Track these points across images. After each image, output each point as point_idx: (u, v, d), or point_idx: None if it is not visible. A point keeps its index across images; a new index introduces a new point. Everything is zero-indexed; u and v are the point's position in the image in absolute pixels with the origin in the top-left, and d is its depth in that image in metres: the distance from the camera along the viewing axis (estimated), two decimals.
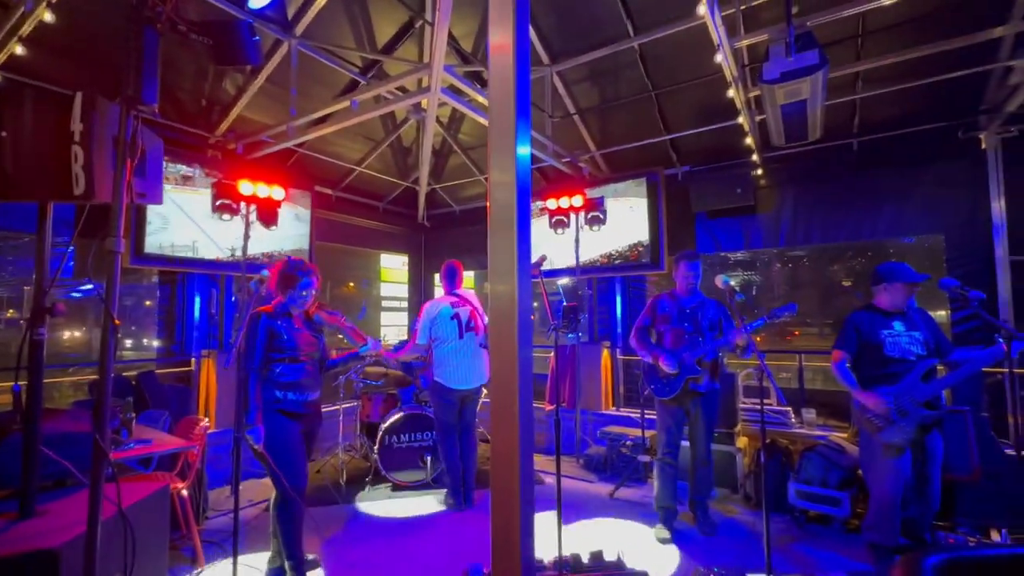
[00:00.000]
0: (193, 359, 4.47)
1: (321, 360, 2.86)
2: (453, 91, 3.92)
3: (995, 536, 3.04)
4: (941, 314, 4.60)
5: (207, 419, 3.24)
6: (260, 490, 4.14)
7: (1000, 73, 3.62)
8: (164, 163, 4.01)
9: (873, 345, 2.69)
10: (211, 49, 2.13)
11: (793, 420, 4.21)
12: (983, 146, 3.91)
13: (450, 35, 4.33)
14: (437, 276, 7.02)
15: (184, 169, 4.24)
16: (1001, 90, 3.66)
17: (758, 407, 2.69)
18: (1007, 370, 2.41)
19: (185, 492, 2.91)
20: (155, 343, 4.63)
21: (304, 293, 2.69)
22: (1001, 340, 2.31)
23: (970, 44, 3.29)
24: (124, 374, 4.00)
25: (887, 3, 3.06)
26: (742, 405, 4.20)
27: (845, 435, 3.79)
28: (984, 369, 3.42)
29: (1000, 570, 0.51)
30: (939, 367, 2.71)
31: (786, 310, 2.83)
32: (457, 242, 6.88)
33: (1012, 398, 2.30)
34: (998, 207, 3.85)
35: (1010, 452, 3.15)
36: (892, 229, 4.35)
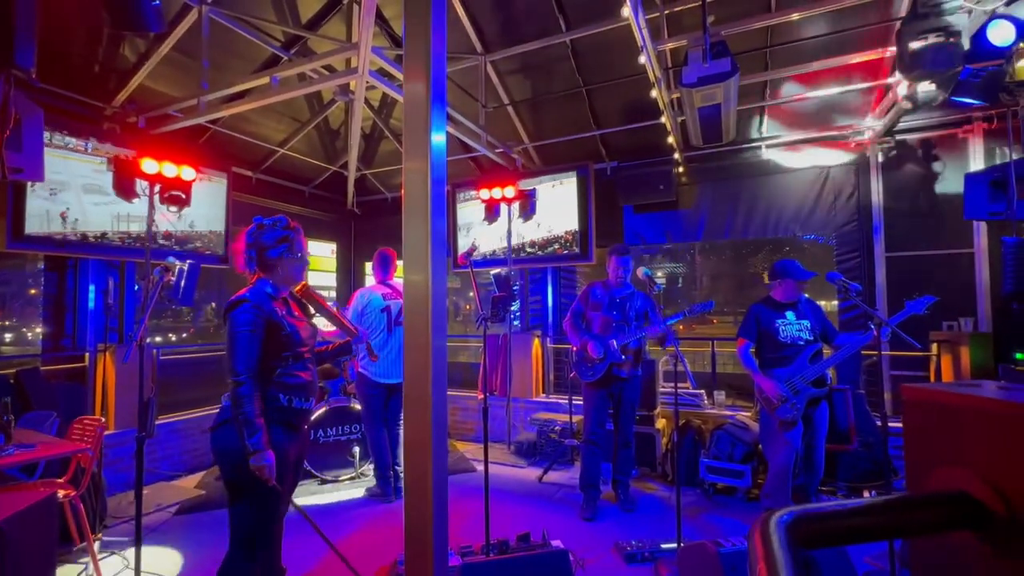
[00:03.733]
0: (87, 354, 4.03)
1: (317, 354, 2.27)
2: (383, 74, 3.80)
3: (866, 495, 3.49)
4: (835, 303, 5.14)
5: (104, 419, 2.95)
6: (168, 493, 3.85)
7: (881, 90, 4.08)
8: (49, 135, 3.57)
9: (769, 332, 3.01)
10: (105, 11, 1.92)
11: (706, 402, 4.56)
12: (867, 154, 4.40)
13: (380, 15, 4.19)
14: (368, 265, 6.82)
15: (74, 142, 3.79)
16: (882, 105, 4.13)
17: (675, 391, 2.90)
18: (879, 352, 2.75)
19: (79, 500, 2.65)
20: (40, 337, 4.13)
21: (302, 260, 2.08)
22: (873, 326, 2.63)
23: (858, 63, 3.68)
24: (1, 372, 3.54)
25: (794, 18, 3.35)
26: (661, 389, 4.48)
27: (750, 414, 4.16)
28: (863, 352, 3.89)
29: (839, 519, 0.60)
30: (825, 350, 3.06)
31: (704, 307, 3.08)
32: (389, 231, 6.70)
33: (882, 377, 2.66)
34: (878, 209, 4.37)
35: (880, 424, 3.62)
36: (792, 227, 4.79)
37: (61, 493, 2.56)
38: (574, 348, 3.50)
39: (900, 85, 3.57)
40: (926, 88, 3.36)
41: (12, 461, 2.35)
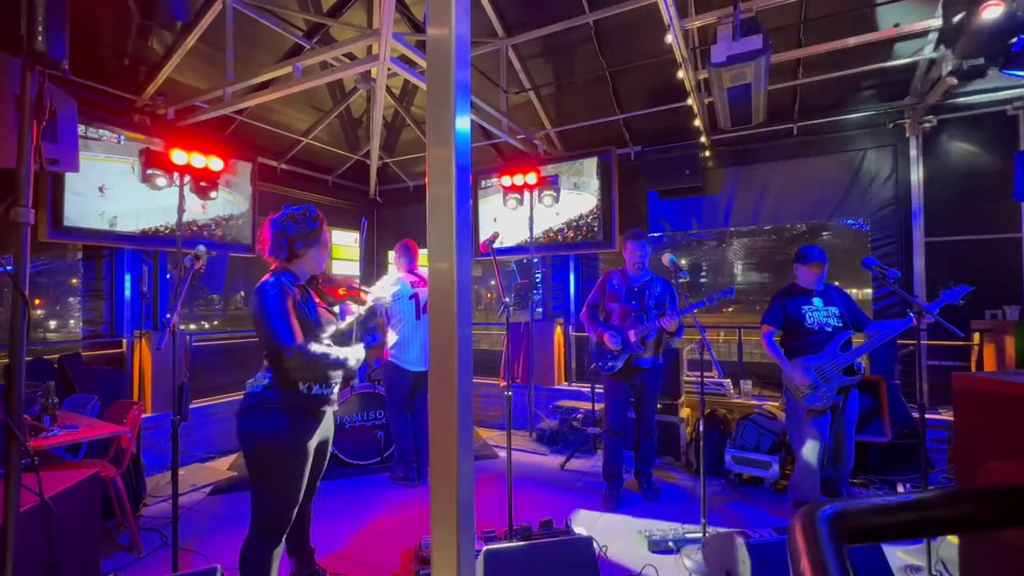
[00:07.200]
0: (124, 340, 4.19)
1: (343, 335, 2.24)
2: (404, 61, 3.78)
3: (900, 489, 3.39)
4: (868, 291, 4.96)
5: (141, 403, 3.07)
6: (203, 474, 4.00)
7: (924, 66, 3.87)
8: (83, 127, 3.68)
9: (795, 319, 2.94)
10: (134, 2, 1.94)
11: (732, 391, 4.48)
12: (907, 134, 4.19)
13: (400, 0, 4.14)
14: (391, 254, 6.87)
15: (107, 134, 3.90)
16: (924, 82, 3.92)
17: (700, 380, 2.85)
18: (917, 341, 2.65)
19: (119, 479, 2.77)
20: (81, 324, 4.30)
21: (327, 249, 2.12)
22: (912, 314, 2.53)
23: (899, 37, 3.49)
24: (45, 357, 3.71)
25: None
26: (686, 378, 4.42)
27: (777, 404, 4.07)
28: (899, 341, 3.75)
29: (886, 514, 0.58)
30: (855, 338, 2.96)
31: (725, 294, 2.95)
32: (411, 219, 6.75)
33: (919, 367, 2.56)
34: (917, 192, 4.17)
35: (917, 416, 3.50)
36: (824, 212, 4.62)
37: (103, 472, 2.68)
38: (593, 337, 3.46)
39: (945, 59, 3.37)
40: (974, 62, 3.17)
41: (58, 441, 2.47)
